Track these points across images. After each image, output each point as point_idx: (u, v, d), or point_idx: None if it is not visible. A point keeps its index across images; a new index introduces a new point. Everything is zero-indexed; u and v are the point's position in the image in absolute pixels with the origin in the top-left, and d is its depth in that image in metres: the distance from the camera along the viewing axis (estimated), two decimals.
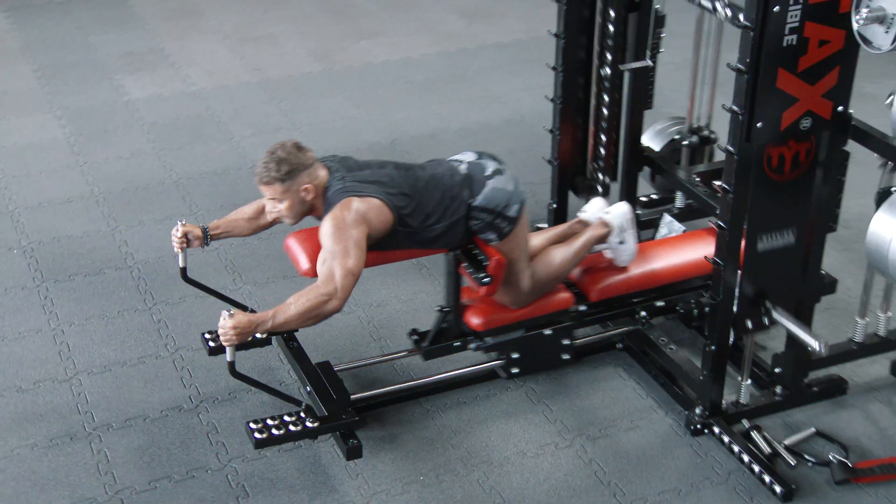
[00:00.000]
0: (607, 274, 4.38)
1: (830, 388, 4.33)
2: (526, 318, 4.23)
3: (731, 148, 3.69)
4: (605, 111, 4.71)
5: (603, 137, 4.78)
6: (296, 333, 4.29)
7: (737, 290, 3.90)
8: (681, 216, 4.96)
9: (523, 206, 4.05)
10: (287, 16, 8.24)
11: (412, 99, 6.94)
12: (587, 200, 4.56)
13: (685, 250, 4.51)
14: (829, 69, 3.62)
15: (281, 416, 3.85)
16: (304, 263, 4.08)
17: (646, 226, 5.02)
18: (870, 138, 3.78)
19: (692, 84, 4.97)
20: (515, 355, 4.29)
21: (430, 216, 3.93)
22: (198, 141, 6.36)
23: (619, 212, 4.34)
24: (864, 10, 3.37)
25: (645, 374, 4.47)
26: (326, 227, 3.74)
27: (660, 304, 4.52)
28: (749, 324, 3.99)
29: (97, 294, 4.97)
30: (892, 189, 3.77)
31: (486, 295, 4.07)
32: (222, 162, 6.13)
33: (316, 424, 3.84)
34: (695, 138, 5.05)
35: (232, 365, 3.66)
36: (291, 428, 3.82)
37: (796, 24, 3.49)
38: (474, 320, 4.16)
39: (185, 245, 4.04)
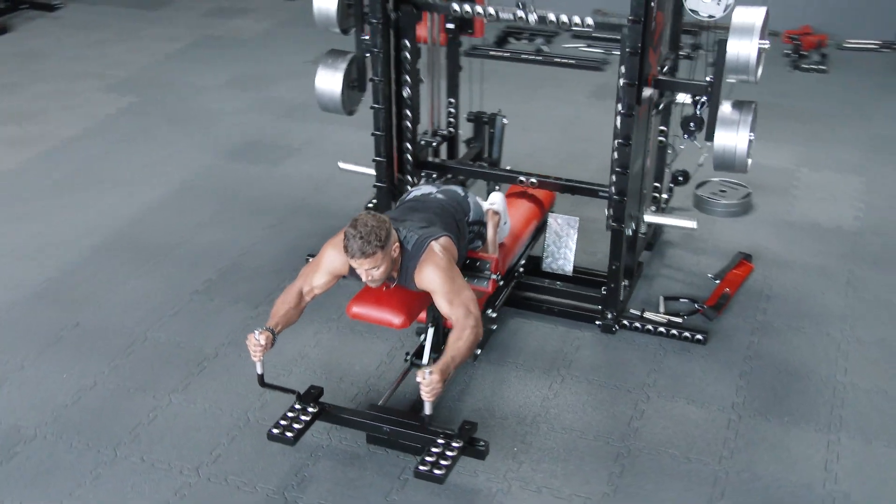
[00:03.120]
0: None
1: (640, 272, 5.13)
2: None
3: (624, 109, 4.23)
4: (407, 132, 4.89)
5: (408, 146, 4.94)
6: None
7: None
8: None
9: None
10: None
11: (92, 187, 6.04)
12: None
13: (519, 210, 4.82)
14: (660, 43, 4.34)
15: (429, 451, 3.62)
16: (396, 320, 3.79)
17: None
18: (673, 84, 4.57)
19: (430, 100, 5.29)
20: None
21: (460, 240, 3.93)
22: None
23: (498, 199, 4.50)
24: None
25: (536, 313, 4.81)
26: (435, 275, 3.61)
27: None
28: (629, 231, 4.60)
29: (51, 471, 3.87)
30: (687, 117, 4.62)
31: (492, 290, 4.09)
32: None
33: (461, 444, 3.66)
34: (438, 138, 5.38)
35: (430, 418, 3.50)
36: (448, 453, 3.62)
37: (654, 14, 4.14)
38: None
39: (263, 353, 3.53)
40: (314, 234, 5.53)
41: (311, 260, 3.84)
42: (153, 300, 4.93)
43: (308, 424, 3.78)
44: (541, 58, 6.57)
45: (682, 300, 4.91)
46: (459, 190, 4.12)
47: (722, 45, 4.28)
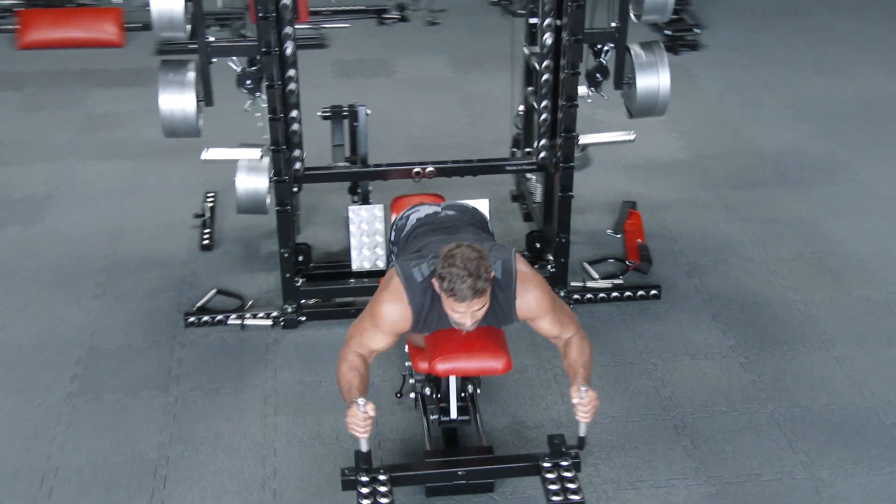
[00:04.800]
0: None
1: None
2: None
3: (568, 68, 4.40)
4: None
5: None
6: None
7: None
8: None
9: None
10: None
11: None
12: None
13: None
14: None
15: (548, 480, 3.61)
16: (499, 364, 3.57)
17: None
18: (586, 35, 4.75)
19: None
20: None
21: None
22: None
23: None
24: None
25: None
26: (542, 298, 3.41)
27: None
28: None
29: None
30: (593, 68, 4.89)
31: None
32: None
33: (570, 461, 3.69)
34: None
35: (585, 440, 3.48)
36: (566, 474, 3.66)
37: None
38: None
39: None
40: (159, 290, 5.01)
41: (361, 322, 3.45)
42: (22, 421, 4.17)
43: (392, 495, 3.51)
44: None
45: (609, 260, 5.18)
46: (466, 203, 3.99)
47: None
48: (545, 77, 4.59)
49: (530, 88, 5.30)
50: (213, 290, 4.93)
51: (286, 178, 4.47)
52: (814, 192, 5.90)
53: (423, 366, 3.70)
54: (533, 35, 5.09)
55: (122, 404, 4.25)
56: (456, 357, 3.53)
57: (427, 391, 3.90)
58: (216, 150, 4.72)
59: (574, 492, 3.50)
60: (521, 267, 3.41)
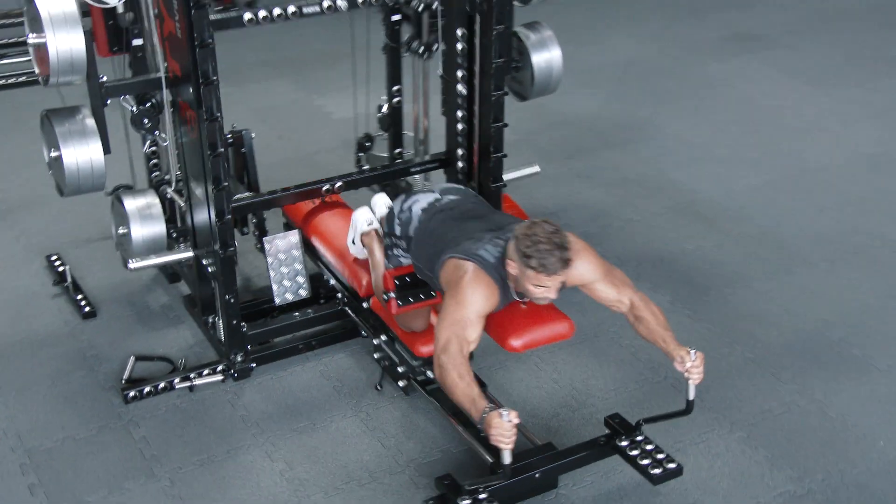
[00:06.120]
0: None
1: None
2: None
3: (496, 55, 4.60)
4: None
5: None
6: None
7: None
8: None
9: None
10: None
11: None
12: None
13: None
14: None
15: (635, 457, 3.83)
16: (566, 328, 3.88)
17: None
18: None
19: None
20: None
21: None
22: None
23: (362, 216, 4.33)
24: None
25: None
26: (593, 261, 3.76)
27: None
28: None
29: None
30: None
31: None
32: None
33: (643, 435, 3.91)
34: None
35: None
36: (649, 447, 3.87)
37: None
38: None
39: None
40: (63, 372, 4.62)
41: (450, 318, 3.50)
42: None
43: None
44: None
45: None
46: (457, 185, 4.27)
47: None
48: (460, 73, 4.66)
49: (396, 87, 5.39)
50: (132, 359, 4.59)
51: (230, 217, 4.27)
52: (640, 150, 6.49)
53: (425, 349, 4.03)
54: (395, 32, 5.16)
55: (110, 503, 3.89)
56: (529, 331, 3.77)
57: (430, 374, 4.10)
58: (145, 260, 4.56)
59: (669, 459, 3.73)
60: (569, 238, 3.62)
